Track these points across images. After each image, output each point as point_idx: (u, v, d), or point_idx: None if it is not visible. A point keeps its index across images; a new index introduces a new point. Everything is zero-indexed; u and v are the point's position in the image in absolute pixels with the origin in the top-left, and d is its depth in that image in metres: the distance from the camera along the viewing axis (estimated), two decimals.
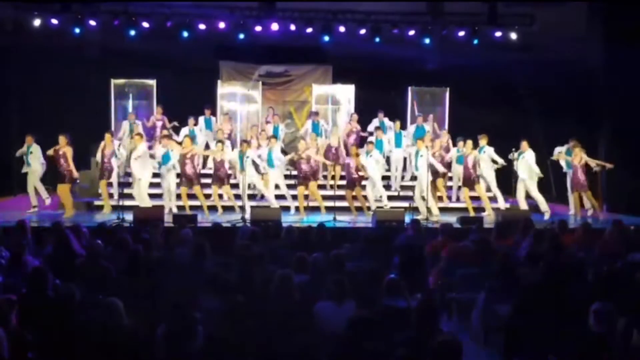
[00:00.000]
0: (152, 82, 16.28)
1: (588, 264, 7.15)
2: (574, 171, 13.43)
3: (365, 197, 13.64)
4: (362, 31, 15.65)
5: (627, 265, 7.09)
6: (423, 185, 13.24)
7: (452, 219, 12.29)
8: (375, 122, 15.61)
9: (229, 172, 13.60)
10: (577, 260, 7.43)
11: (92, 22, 14.96)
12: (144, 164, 13.12)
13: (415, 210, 13.17)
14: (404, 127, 15.83)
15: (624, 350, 4.83)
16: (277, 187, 13.67)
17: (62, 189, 12.88)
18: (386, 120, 15.60)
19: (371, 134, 15.30)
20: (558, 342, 5.30)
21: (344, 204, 13.62)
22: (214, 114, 15.94)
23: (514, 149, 13.26)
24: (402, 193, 14.92)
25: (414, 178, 14.35)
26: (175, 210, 13.20)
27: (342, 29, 15.54)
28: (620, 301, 5.52)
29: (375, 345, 4.78)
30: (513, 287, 6.54)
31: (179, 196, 13.47)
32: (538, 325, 5.73)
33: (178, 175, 13.49)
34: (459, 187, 14.47)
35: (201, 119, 15.43)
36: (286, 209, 13.38)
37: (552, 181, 13.28)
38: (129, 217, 11.67)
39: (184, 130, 14.84)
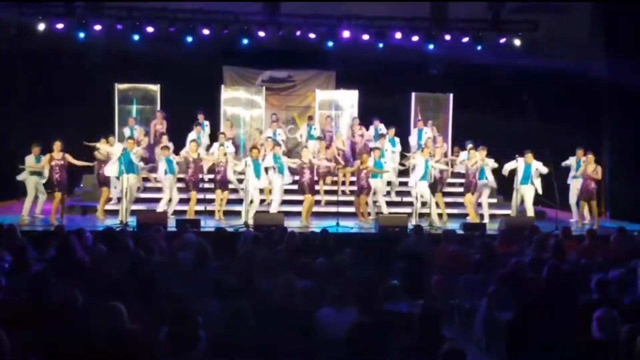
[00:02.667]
0: (156, 87, 16.30)
1: (592, 271, 7.14)
2: (585, 179, 13.42)
3: (367, 203, 13.60)
4: (366, 37, 15.67)
5: (631, 272, 7.06)
6: (425, 193, 13.26)
7: (455, 225, 12.30)
8: (371, 131, 15.54)
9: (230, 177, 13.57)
10: (580, 267, 7.42)
11: (97, 27, 15.01)
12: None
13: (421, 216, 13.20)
14: (406, 132, 15.82)
15: (627, 357, 4.81)
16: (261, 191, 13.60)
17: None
18: (382, 127, 15.49)
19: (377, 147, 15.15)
20: (561, 349, 5.28)
21: (347, 209, 13.62)
22: (207, 118, 15.67)
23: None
24: (404, 199, 14.85)
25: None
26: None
27: (345, 34, 15.56)
28: (623, 308, 5.51)
29: (377, 351, 4.77)
30: (516, 293, 6.53)
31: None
32: (541, 331, 5.71)
33: (179, 180, 13.58)
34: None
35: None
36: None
37: (556, 188, 13.28)
38: (132, 221, 11.68)
39: (192, 135, 14.76)
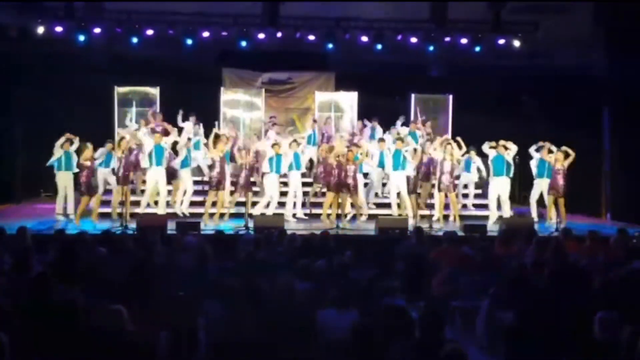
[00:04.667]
0: (156, 90, 16.28)
1: (593, 272, 7.13)
2: (554, 175, 12.96)
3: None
4: (365, 38, 15.67)
5: (632, 273, 7.05)
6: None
7: (455, 226, 12.30)
8: (367, 130, 15.55)
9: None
10: (581, 267, 7.41)
11: (96, 30, 15.00)
12: None
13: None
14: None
15: (629, 358, 4.80)
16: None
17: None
18: (379, 129, 15.53)
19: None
20: (562, 350, 5.27)
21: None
22: (207, 120, 15.42)
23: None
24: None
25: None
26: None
27: (345, 36, 15.57)
28: (625, 309, 5.49)
29: (377, 352, 4.76)
30: (517, 294, 6.51)
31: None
32: (542, 333, 5.70)
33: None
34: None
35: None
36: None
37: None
38: (132, 224, 11.67)
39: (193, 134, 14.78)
